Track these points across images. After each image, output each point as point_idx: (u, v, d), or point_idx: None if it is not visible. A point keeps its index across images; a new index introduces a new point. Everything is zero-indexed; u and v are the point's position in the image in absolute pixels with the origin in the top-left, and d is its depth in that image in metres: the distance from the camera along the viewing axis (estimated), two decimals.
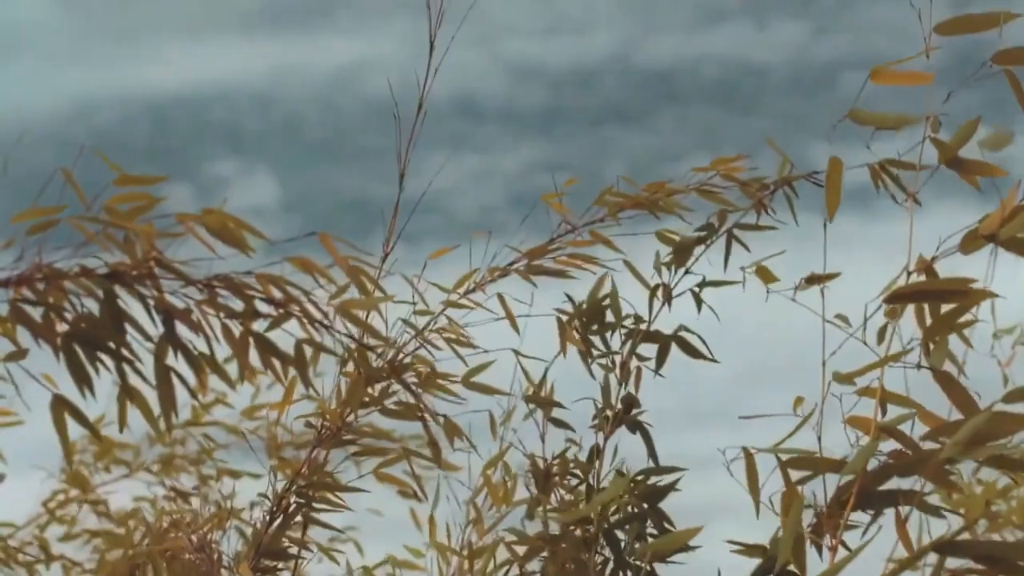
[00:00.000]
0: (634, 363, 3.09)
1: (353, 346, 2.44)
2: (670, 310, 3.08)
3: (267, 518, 3.12)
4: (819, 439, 2.39)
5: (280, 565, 3.13)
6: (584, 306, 3.09)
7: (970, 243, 2.18)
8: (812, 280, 2.63)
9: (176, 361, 2.17)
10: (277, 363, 2.17)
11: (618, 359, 3.08)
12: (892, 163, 2.59)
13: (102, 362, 2.15)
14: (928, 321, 2.37)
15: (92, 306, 2.13)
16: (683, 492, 2.95)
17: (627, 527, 2.91)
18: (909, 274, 2.30)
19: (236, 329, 2.16)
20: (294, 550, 3.13)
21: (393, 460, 3.18)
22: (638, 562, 2.80)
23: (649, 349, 3.10)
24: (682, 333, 3.07)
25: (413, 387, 3.15)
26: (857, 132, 2.49)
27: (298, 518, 3.15)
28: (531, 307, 3.07)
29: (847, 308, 2.40)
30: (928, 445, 2.25)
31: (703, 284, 3.06)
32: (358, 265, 2.23)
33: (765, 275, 2.89)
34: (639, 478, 2.96)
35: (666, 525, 2.93)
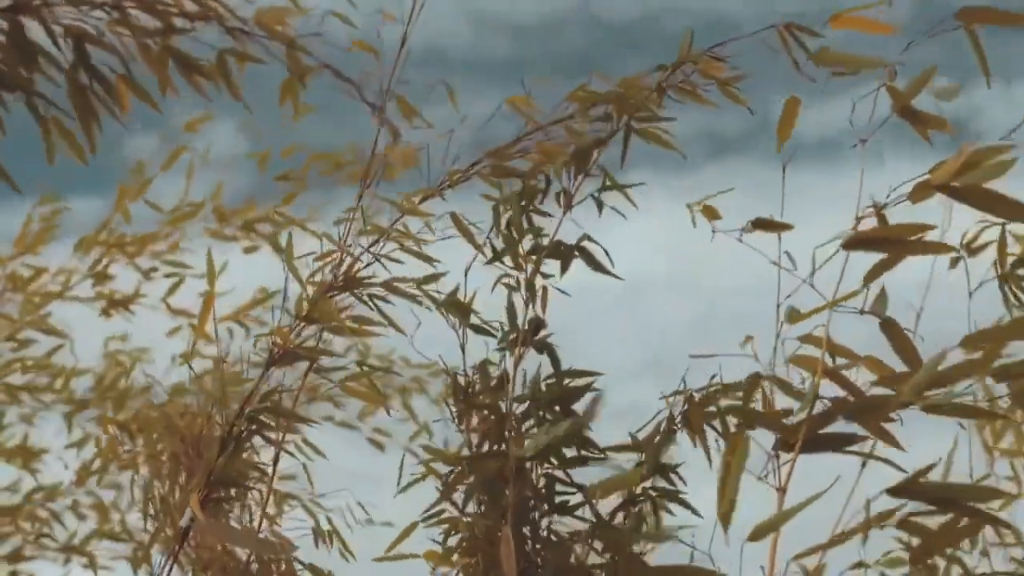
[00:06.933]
0: (540, 281, 2.91)
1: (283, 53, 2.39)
2: (571, 214, 2.95)
3: (218, 446, 3.05)
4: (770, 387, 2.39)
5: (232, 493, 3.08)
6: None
7: (920, 192, 2.16)
8: (759, 224, 2.53)
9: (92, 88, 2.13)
10: (202, 80, 2.12)
11: (523, 278, 2.91)
12: (797, 27, 2.62)
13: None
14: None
15: None
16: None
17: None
18: (859, 219, 2.27)
19: (154, 47, 2.11)
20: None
21: (358, 376, 3.14)
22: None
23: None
24: (584, 244, 2.93)
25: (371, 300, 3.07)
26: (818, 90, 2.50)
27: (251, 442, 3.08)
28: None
29: (803, 257, 2.36)
30: (877, 392, 2.26)
31: (603, 188, 2.94)
32: None
33: (710, 212, 2.80)
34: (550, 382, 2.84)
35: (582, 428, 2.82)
